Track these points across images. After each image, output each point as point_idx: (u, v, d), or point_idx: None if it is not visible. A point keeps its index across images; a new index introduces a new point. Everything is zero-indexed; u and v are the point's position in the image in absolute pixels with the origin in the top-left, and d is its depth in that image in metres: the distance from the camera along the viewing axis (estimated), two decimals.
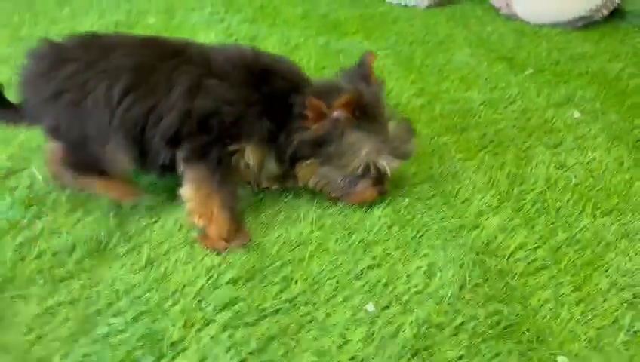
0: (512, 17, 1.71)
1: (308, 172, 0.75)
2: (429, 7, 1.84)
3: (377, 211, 0.79)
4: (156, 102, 0.69)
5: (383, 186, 0.77)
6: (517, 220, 0.78)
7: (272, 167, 0.77)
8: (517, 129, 1.03)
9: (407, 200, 0.82)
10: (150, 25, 1.57)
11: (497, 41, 1.52)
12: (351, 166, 0.73)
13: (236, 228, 0.72)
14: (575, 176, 0.88)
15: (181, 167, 0.72)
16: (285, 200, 0.82)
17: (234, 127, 0.71)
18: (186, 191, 0.72)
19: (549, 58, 1.40)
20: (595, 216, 0.79)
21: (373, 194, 0.77)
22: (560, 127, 1.04)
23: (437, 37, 1.55)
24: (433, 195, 0.84)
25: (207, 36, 1.49)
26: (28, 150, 0.90)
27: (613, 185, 0.86)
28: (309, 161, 0.74)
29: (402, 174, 0.88)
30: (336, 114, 0.70)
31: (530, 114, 1.09)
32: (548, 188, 0.86)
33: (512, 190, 0.85)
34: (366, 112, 0.71)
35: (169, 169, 0.73)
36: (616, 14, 1.67)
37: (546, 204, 0.82)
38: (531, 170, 0.90)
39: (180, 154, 0.71)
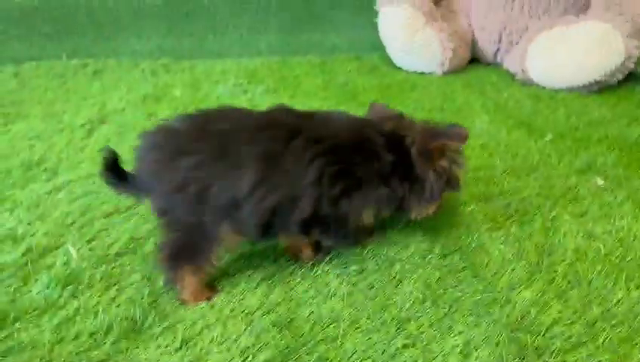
0: (527, 82, 1.75)
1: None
2: (445, 74, 1.89)
3: (408, 286, 0.79)
4: (289, 191, 0.72)
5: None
6: (549, 294, 0.78)
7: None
8: (541, 197, 1.04)
9: (437, 273, 0.82)
10: (176, 98, 1.64)
11: (514, 107, 1.55)
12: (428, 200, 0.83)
13: None
14: (604, 246, 0.88)
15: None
16: (315, 274, 0.82)
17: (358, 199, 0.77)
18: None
19: (568, 123, 1.42)
20: (629, 289, 0.78)
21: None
22: (584, 195, 1.05)
23: (454, 104, 1.59)
24: (463, 268, 0.84)
25: None
26: (63, 226, 0.93)
27: None
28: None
29: (431, 246, 0.88)
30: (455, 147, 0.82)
31: (553, 181, 1.10)
32: (578, 259, 0.85)
33: (542, 261, 0.85)
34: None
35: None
36: (631, 78, 1.70)
37: (577, 276, 0.81)
38: (559, 241, 0.90)
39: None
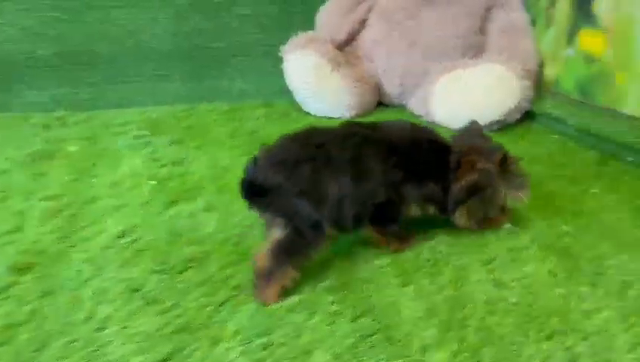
0: (432, 124, 1.79)
1: (466, 213, 1.01)
2: (353, 117, 1.90)
3: (320, 357, 0.74)
4: (370, 186, 0.92)
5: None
6: (463, 353, 0.75)
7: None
8: (449, 245, 1.03)
9: (349, 340, 0.77)
10: (70, 153, 1.52)
11: None
12: (498, 205, 1.02)
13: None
14: (513, 295, 0.87)
15: None
16: (217, 352, 0.75)
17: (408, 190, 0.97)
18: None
19: None
20: (539, 341, 0.77)
21: (503, 219, 1.08)
22: (492, 240, 1.05)
23: None
24: (376, 330, 0.80)
25: (132, 161, 1.46)
26: None
27: (550, 302, 0.86)
28: (467, 204, 1.00)
29: (342, 308, 0.84)
30: (487, 167, 0.98)
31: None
32: (488, 311, 0.84)
33: (454, 317, 0.82)
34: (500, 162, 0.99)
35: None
36: (527, 116, 1.78)
37: (489, 332, 0.79)
38: (469, 292, 0.88)
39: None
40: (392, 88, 1.95)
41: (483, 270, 0.95)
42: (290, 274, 0.87)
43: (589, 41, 1.60)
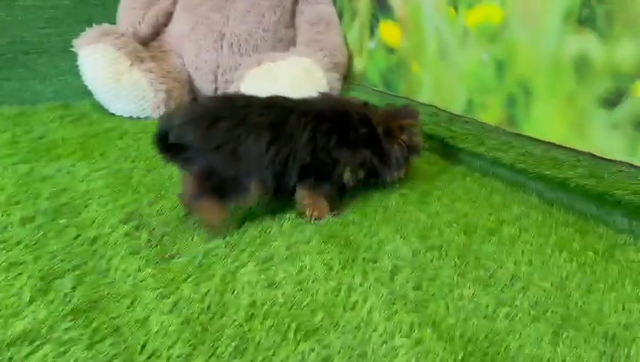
0: None
1: (405, 169, 1.15)
2: None
3: None
4: (292, 149, 0.99)
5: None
6: None
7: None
8: (229, 247, 0.94)
9: None
10: None
11: None
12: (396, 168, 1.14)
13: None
14: (283, 294, 0.81)
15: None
16: None
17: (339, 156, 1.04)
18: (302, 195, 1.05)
19: None
20: (297, 342, 0.71)
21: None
22: (275, 236, 0.98)
23: None
24: (114, 355, 0.68)
25: None
26: None
27: (320, 297, 0.80)
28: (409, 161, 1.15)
29: (79, 337, 0.71)
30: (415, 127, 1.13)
31: (244, 225, 1.02)
32: (251, 316, 0.76)
33: (211, 327, 0.73)
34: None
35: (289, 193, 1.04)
36: None
37: (244, 339, 0.71)
38: (235, 297, 0.80)
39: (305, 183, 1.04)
40: (205, 85, 1.84)
41: (256, 270, 0.87)
42: (217, 207, 0.97)
43: (388, 32, 1.63)
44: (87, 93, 1.84)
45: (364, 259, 0.91)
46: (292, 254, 0.92)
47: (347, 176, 1.07)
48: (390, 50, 1.62)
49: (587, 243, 0.96)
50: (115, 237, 0.97)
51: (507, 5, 1.20)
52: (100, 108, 1.79)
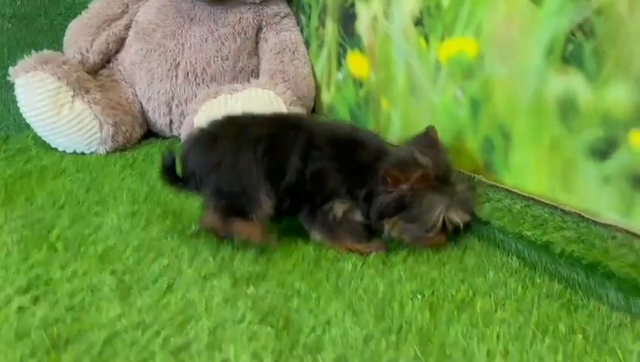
0: None
1: (393, 227, 0.97)
2: (110, 153, 1.59)
3: None
4: (283, 161, 0.97)
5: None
6: None
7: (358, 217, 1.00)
8: (141, 328, 0.77)
9: None
10: None
11: (169, 191, 1.31)
12: (430, 222, 0.95)
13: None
14: None
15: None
16: None
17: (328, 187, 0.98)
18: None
19: None
20: None
21: (442, 239, 0.99)
22: (201, 313, 0.81)
23: (99, 193, 1.29)
24: None
25: None
26: None
27: None
28: (394, 219, 0.96)
29: None
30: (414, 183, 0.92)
31: (164, 296, 0.85)
32: None
33: None
34: (439, 177, 0.93)
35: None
36: None
37: None
38: None
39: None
40: (158, 117, 1.68)
41: None
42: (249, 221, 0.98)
43: (356, 63, 1.49)
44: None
45: (304, 346, 0.74)
46: (216, 340, 0.75)
47: (337, 210, 0.99)
48: (358, 84, 1.48)
49: (575, 324, 0.80)
50: (4, 314, 0.80)
51: (483, 37, 1.06)
52: (43, 143, 1.62)
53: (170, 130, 1.71)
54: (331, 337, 0.76)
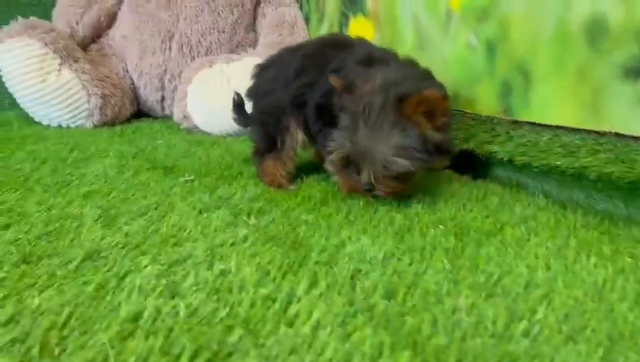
0: (193, 131, 1.46)
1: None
2: (97, 127, 1.50)
3: None
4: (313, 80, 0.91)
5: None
6: None
7: None
8: (126, 248, 0.66)
9: None
10: None
11: (161, 152, 1.22)
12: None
13: None
14: (187, 305, 0.53)
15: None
16: None
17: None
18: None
19: (220, 163, 1.13)
20: None
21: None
22: (195, 235, 0.71)
23: (84, 153, 1.19)
24: None
25: None
26: None
27: (243, 309, 0.53)
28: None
29: None
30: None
31: (154, 223, 0.75)
32: (129, 333, 0.48)
33: (61, 349, 0.45)
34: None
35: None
36: None
37: None
38: (112, 308, 0.52)
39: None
40: (149, 93, 1.60)
41: (154, 273, 0.59)
42: (276, 164, 0.96)
43: (359, 30, 1.42)
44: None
45: (316, 262, 0.64)
46: (212, 256, 0.65)
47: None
48: None
49: (620, 248, 0.70)
50: None
51: None
52: (26, 118, 1.53)
53: (162, 107, 1.63)
54: (346, 254, 0.66)
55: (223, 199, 0.87)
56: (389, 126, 0.77)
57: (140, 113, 1.68)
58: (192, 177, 1.01)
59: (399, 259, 0.65)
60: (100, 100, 1.47)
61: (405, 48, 1.25)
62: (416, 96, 0.76)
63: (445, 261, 0.64)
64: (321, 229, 0.75)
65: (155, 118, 1.67)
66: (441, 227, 0.77)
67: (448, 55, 1.14)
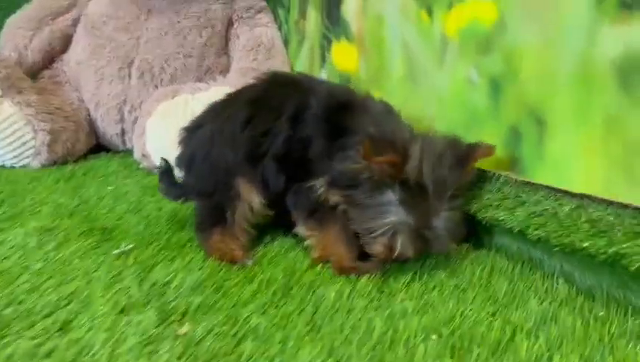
0: (153, 171, 1.27)
1: (334, 197, 0.74)
2: (45, 167, 1.31)
3: None
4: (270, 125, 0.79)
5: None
6: None
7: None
8: None
9: None
10: None
11: (106, 205, 1.03)
12: (370, 224, 0.70)
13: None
14: None
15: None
16: None
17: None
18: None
19: (170, 221, 0.94)
20: None
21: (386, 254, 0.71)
22: None
23: (14, 207, 1.01)
24: None
25: None
26: None
27: None
28: (342, 192, 0.73)
29: None
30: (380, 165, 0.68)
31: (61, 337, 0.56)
32: None
33: None
34: (419, 185, 0.68)
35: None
36: None
37: None
38: None
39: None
40: (108, 126, 1.42)
41: None
42: (224, 237, 0.79)
43: (341, 55, 1.24)
44: None
45: None
46: None
47: (322, 192, 0.75)
48: (345, 79, 1.23)
49: None
50: None
51: None
52: None
53: (123, 141, 1.44)
54: None
55: (157, 288, 0.69)
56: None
57: (100, 146, 1.49)
58: (131, 246, 0.82)
59: None
60: (49, 137, 1.28)
61: (394, 79, 1.07)
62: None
63: None
64: (272, 348, 0.56)
65: (117, 152, 1.48)
66: (433, 338, 0.58)
67: (444, 91, 0.96)
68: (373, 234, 0.70)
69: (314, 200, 0.75)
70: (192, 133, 0.87)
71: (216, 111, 0.87)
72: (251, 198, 0.80)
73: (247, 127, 0.80)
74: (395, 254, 0.70)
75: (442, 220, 0.69)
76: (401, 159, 0.68)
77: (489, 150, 0.76)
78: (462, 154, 0.75)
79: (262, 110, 0.81)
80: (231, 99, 0.88)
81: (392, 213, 0.69)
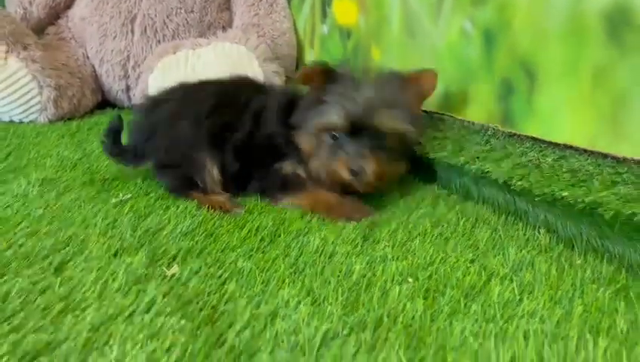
0: None
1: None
2: (53, 122, 1.34)
3: None
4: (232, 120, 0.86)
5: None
6: None
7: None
8: None
9: None
10: None
11: (107, 158, 1.06)
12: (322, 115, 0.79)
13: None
14: None
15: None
16: None
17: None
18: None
19: None
20: None
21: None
22: None
23: (19, 160, 1.04)
24: None
25: None
26: None
27: None
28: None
29: None
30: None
31: (56, 276, 0.59)
32: None
33: None
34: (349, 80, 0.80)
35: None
36: None
37: None
38: None
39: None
40: (113, 82, 1.44)
41: None
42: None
43: (342, 11, 1.24)
44: None
45: (230, 349, 0.48)
46: (94, 341, 0.49)
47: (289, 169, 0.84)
48: (345, 34, 1.23)
49: None
50: None
51: None
52: None
53: (128, 97, 1.47)
54: (274, 334, 0.50)
55: (149, 234, 0.72)
56: (394, 89, 0.78)
57: (106, 102, 1.51)
58: (129, 195, 0.85)
59: (343, 343, 0.49)
60: (54, 92, 1.31)
61: (392, 36, 1.07)
62: (428, 72, 0.79)
63: (401, 351, 0.48)
64: (254, 287, 0.59)
65: (122, 108, 1.51)
66: (410, 281, 0.61)
67: (440, 44, 0.96)
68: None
69: (282, 177, 0.83)
70: (157, 105, 0.90)
71: (185, 92, 0.91)
72: (213, 171, 0.84)
73: (211, 115, 0.85)
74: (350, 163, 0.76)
75: (371, 89, 0.76)
76: (320, 67, 0.79)
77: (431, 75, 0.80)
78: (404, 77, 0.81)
79: (227, 103, 0.87)
80: (202, 85, 0.92)
81: (327, 107, 0.78)
